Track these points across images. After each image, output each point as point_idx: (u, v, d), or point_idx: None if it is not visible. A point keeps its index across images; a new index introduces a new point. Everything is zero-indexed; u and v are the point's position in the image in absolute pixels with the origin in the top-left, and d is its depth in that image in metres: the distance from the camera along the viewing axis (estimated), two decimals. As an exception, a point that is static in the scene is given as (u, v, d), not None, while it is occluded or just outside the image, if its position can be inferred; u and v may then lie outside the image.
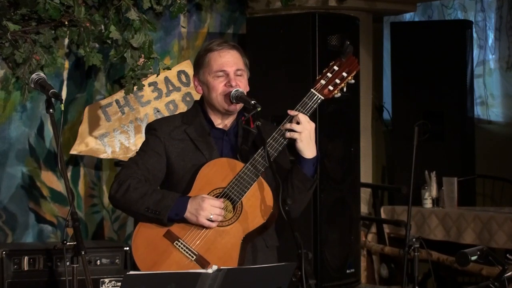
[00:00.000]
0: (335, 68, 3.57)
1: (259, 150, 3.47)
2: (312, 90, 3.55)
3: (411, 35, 7.43)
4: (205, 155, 3.59)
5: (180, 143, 3.62)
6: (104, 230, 5.86)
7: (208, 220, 3.46)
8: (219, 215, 3.46)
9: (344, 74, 3.57)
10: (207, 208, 3.45)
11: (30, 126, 5.62)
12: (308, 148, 3.53)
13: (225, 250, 3.48)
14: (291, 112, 3.53)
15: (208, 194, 3.52)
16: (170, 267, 3.46)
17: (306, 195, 3.62)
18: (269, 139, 3.51)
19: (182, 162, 3.59)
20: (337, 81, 3.56)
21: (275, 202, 3.45)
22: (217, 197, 3.51)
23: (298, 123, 3.50)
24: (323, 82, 3.56)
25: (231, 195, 3.50)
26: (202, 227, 3.49)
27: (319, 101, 3.55)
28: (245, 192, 3.49)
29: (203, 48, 3.71)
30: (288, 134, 3.51)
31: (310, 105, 3.53)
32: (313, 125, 3.53)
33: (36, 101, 5.58)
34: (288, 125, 3.51)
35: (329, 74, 3.57)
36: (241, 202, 3.50)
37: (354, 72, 3.59)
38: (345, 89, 3.59)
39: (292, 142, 3.53)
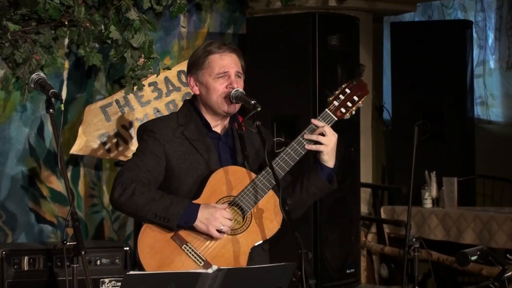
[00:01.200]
0: (347, 90, 3.61)
1: (268, 163, 3.44)
2: (326, 110, 3.59)
3: (411, 35, 7.43)
4: (205, 158, 3.58)
5: (180, 145, 3.60)
6: (104, 230, 5.86)
7: (218, 230, 3.46)
8: (229, 226, 3.47)
9: (355, 98, 3.61)
10: (220, 219, 3.45)
11: (30, 126, 5.62)
12: (331, 159, 3.57)
13: (233, 259, 3.48)
14: (316, 122, 3.54)
15: (217, 202, 3.52)
16: (176, 270, 3.44)
17: (315, 200, 3.68)
18: (287, 148, 3.53)
19: (183, 165, 3.58)
20: (349, 104, 3.60)
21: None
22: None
23: (322, 134, 3.52)
24: (336, 103, 3.60)
25: (241, 205, 3.51)
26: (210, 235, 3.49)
27: (332, 122, 3.59)
28: (255, 203, 3.50)
29: (200, 50, 3.68)
30: (313, 147, 3.52)
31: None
32: (336, 136, 3.56)
33: (36, 101, 5.58)
34: (314, 137, 3.52)
35: (341, 96, 3.60)
36: (251, 212, 3.51)
37: (365, 97, 3.62)
38: (354, 113, 3.61)
39: (313, 153, 3.55)
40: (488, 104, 7.96)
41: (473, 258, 3.58)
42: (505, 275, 3.51)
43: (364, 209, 6.88)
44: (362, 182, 6.51)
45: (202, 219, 3.45)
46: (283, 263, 3.15)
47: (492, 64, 7.96)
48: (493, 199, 7.48)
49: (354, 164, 6.13)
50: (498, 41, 7.87)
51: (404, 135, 6.80)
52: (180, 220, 3.45)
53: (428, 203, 6.70)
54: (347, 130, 6.04)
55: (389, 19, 7.69)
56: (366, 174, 6.79)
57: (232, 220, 3.48)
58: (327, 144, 3.52)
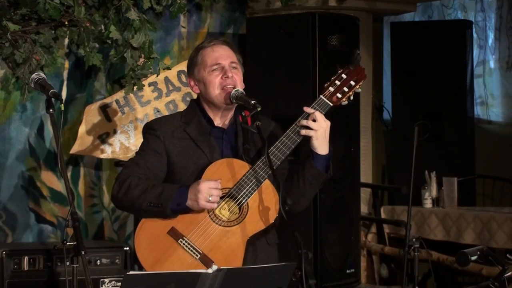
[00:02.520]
0: (343, 76, 3.59)
1: (266, 153, 3.44)
2: (321, 96, 3.58)
3: (411, 35, 7.43)
4: (206, 154, 3.59)
5: (181, 142, 3.62)
6: (104, 230, 5.86)
7: (207, 202, 3.45)
8: (218, 195, 3.45)
9: (352, 82, 3.59)
10: (204, 189, 3.43)
11: (30, 126, 5.62)
12: (322, 145, 3.55)
13: (230, 250, 3.48)
14: (308, 109, 3.54)
15: None
16: (174, 264, 3.46)
17: (315, 190, 3.65)
18: (282, 137, 3.53)
19: (184, 161, 3.59)
20: (345, 89, 3.58)
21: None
22: (222, 198, 3.51)
23: (314, 120, 3.52)
24: (331, 89, 3.58)
25: (237, 196, 3.50)
26: (207, 226, 3.49)
27: (327, 108, 3.57)
28: (251, 194, 3.50)
29: (194, 49, 3.72)
30: (303, 132, 3.51)
31: (319, 111, 3.55)
32: (328, 123, 3.55)
33: (36, 101, 5.58)
34: (304, 122, 3.52)
35: (337, 82, 3.58)
36: (247, 203, 3.51)
37: (362, 82, 3.61)
38: (352, 98, 3.60)
39: (306, 140, 3.54)
40: (488, 104, 7.96)
41: (473, 258, 3.58)
42: (505, 275, 3.51)
43: (364, 209, 6.88)
44: (362, 182, 6.51)
45: (191, 196, 3.45)
46: (283, 263, 3.16)
47: (492, 64, 7.95)
48: (493, 199, 7.48)
49: (354, 164, 6.13)
50: (498, 41, 7.87)
51: (404, 135, 6.79)
52: (173, 204, 3.46)
53: (428, 203, 6.70)
54: (347, 130, 6.04)
55: (389, 19, 7.69)
56: (366, 174, 6.79)
57: (219, 188, 3.45)
58: (317, 129, 3.51)
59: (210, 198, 3.45)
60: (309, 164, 3.58)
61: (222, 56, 3.62)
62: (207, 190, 3.44)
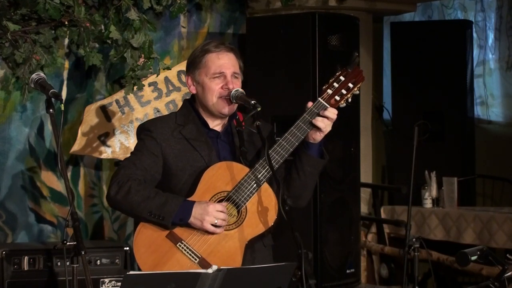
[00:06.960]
0: (341, 78, 3.58)
1: (266, 154, 3.44)
2: (319, 99, 3.57)
3: (411, 35, 7.44)
4: (203, 156, 3.58)
5: (177, 144, 3.60)
6: (104, 230, 5.86)
7: (212, 225, 3.46)
8: (224, 220, 3.46)
9: (350, 85, 3.58)
10: (212, 212, 3.44)
11: (30, 126, 5.62)
12: (321, 138, 3.57)
13: (228, 254, 3.48)
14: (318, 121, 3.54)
15: (212, 198, 3.51)
16: (172, 268, 3.45)
17: (316, 179, 3.65)
18: (280, 140, 3.53)
19: (180, 163, 3.58)
20: (343, 91, 3.57)
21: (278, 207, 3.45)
22: (221, 201, 3.51)
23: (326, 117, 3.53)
24: (329, 91, 3.57)
25: (235, 200, 3.50)
26: (206, 230, 3.49)
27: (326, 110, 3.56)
28: (250, 197, 3.49)
29: (198, 49, 3.68)
30: (319, 122, 3.50)
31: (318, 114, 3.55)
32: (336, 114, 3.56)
33: (36, 101, 5.58)
34: (320, 119, 3.50)
35: (335, 84, 3.58)
36: (246, 206, 3.50)
37: (360, 84, 3.60)
38: (350, 100, 3.60)
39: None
40: (488, 104, 7.96)
41: (473, 258, 3.58)
42: (505, 275, 3.51)
43: (364, 209, 6.88)
44: (362, 182, 6.51)
45: (196, 215, 3.45)
46: (283, 263, 3.15)
47: (492, 64, 7.96)
48: (493, 199, 7.48)
49: (354, 164, 6.13)
50: (498, 41, 7.87)
51: (404, 135, 6.80)
52: (175, 218, 3.46)
53: (428, 203, 6.70)
54: (347, 130, 6.04)
55: (389, 19, 7.69)
56: (366, 174, 6.79)
57: (226, 212, 3.47)
58: (327, 125, 3.53)
59: (216, 222, 3.45)
60: (305, 156, 3.58)
61: (227, 65, 3.60)
62: (215, 213, 3.44)
